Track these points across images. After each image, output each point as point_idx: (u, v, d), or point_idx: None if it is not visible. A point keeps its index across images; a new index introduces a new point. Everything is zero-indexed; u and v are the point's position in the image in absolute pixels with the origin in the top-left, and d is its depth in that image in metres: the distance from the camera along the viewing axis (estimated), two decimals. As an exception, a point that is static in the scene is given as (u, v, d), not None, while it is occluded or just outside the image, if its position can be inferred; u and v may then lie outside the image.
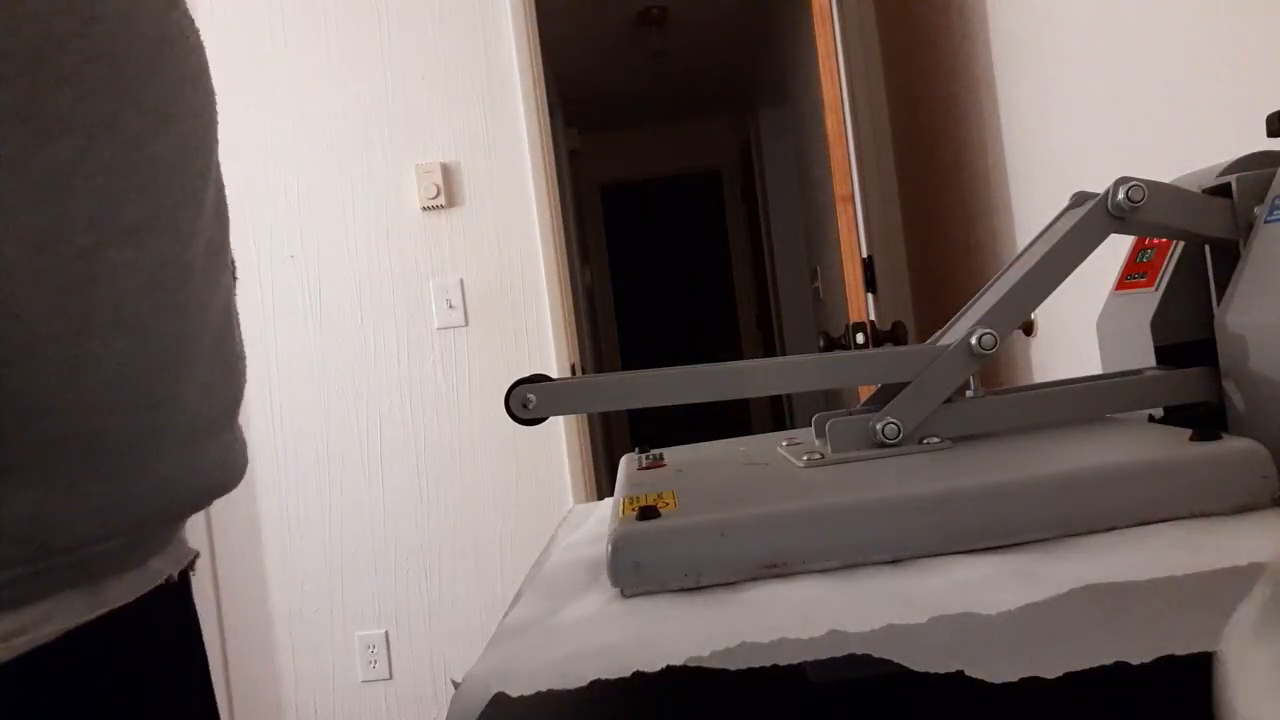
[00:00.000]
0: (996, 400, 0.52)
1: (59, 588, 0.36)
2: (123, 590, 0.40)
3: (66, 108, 0.34)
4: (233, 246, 0.48)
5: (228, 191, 0.48)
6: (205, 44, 0.43)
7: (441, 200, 2.05)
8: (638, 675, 0.31)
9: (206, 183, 0.43)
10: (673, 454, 0.63)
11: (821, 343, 1.87)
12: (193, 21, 0.43)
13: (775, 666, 0.31)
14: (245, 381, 0.49)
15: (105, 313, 0.35)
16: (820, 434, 0.55)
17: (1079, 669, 0.30)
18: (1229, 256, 0.50)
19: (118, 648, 0.40)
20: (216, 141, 0.45)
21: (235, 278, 0.49)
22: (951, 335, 0.54)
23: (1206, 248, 0.53)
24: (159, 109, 0.38)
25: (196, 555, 0.50)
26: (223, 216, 0.46)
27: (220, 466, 0.45)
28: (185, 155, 0.40)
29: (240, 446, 0.48)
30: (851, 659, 0.31)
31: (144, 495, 0.38)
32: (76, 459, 0.35)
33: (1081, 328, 1.38)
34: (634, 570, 0.39)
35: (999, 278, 0.59)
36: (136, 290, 0.37)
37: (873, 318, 1.93)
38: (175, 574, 0.45)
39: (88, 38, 0.34)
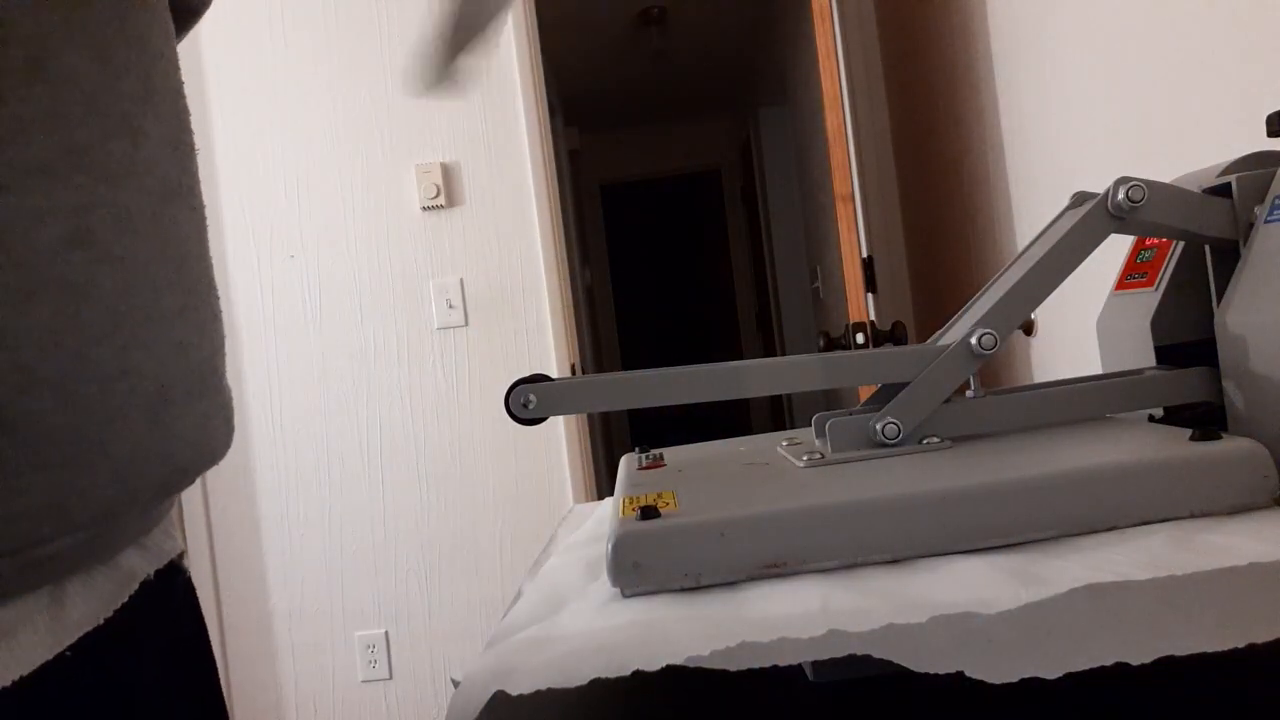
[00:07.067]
0: (996, 400, 0.52)
1: (8, 594, 0.33)
2: (91, 602, 0.36)
3: None
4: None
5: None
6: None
7: (441, 200, 2.05)
8: (638, 674, 0.31)
9: (145, 108, 0.37)
10: (673, 454, 0.63)
11: (821, 343, 1.87)
12: None
13: (775, 666, 0.31)
14: (223, 336, 0.44)
15: (14, 274, 0.30)
16: (820, 434, 0.55)
17: (1079, 669, 0.30)
18: (1229, 256, 0.50)
19: (95, 676, 0.35)
20: (166, 61, 0.40)
21: (204, 217, 0.44)
22: (951, 335, 0.54)
23: (1206, 248, 0.53)
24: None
25: (183, 552, 0.45)
26: (181, 150, 0.41)
27: (197, 439, 0.39)
28: (110, 77, 0.35)
29: (223, 414, 0.43)
30: (851, 659, 0.31)
31: (101, 481, 0.34)
32: (7, 448, 0.31)
33: (1081, 328, 1.38)
34: (634, 570, 0.39)
35: (999, 278, 0.59)
36: (56, 242, 0.32)
37: (873, 318, 1.93)
38: (152, 574, 0.40)
39: None
